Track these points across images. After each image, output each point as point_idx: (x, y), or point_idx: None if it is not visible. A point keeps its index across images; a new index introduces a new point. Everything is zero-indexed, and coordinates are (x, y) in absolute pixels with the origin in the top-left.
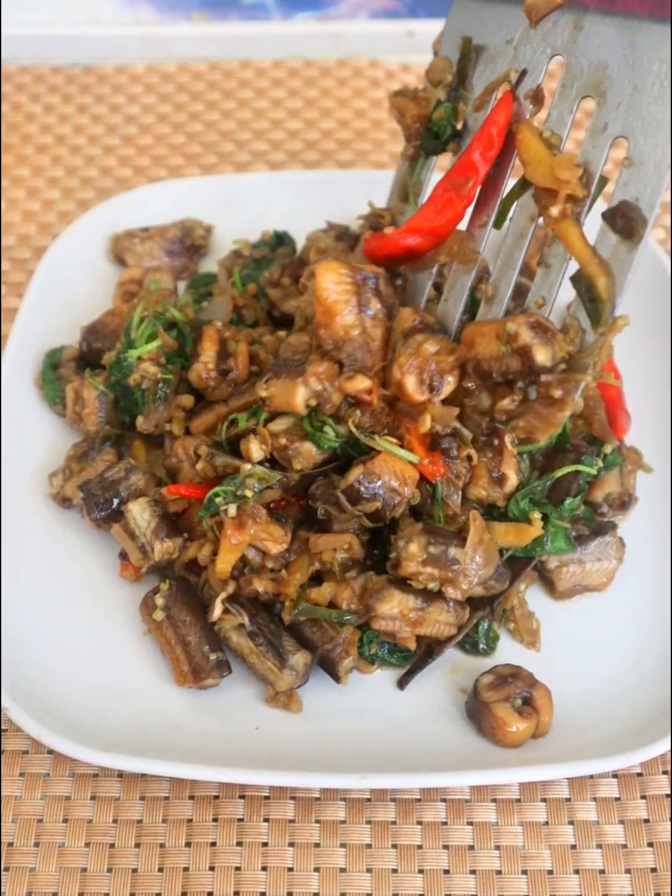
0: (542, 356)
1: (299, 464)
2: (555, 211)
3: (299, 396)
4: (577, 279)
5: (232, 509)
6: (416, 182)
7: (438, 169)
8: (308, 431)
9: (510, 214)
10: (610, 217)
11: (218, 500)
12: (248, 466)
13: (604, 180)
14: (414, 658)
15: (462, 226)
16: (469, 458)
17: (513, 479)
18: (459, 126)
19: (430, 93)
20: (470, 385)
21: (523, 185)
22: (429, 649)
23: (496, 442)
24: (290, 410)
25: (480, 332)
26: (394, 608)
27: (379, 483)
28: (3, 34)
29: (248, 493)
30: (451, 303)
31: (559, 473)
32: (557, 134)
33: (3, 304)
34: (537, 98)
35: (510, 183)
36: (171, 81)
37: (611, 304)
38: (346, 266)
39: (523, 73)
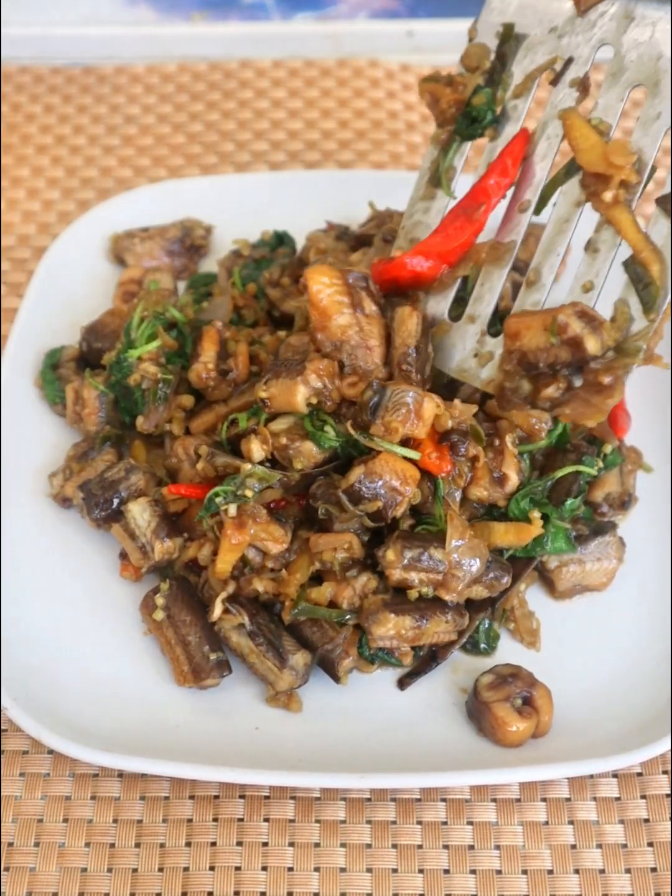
0: (592, 345)
1: (300, 463)
2: (608, 196)
3: (300, 395)
4: (629, 264)
5: (232, 509)
6: (450, 167)
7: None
8: (309, 431)
9: (553, 200)
10: (665, 204)
11: (218, 500)
12: (248, 466)
13: (654, 169)
14: (416, 660)
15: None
16: (475, 458)
17: (514, 479)
18: (497, 112)
19: (466, 78)
20: (508, 368)
21: (568, 171)
22: (432, 654)
23: (497, 442)
24: (291, 410)
25: (525, 324)
26: (390, 631)
27: (380, 483)
28: (3, 34)
29: (249, 493)
30: (484, 298)
31: (560, 474)
32: (606, 122)
33: (3, 304)
34: (584, 87)
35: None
36: (171, 82)
37: (664, 290)
38: (335, 269)
39: (568, 62)
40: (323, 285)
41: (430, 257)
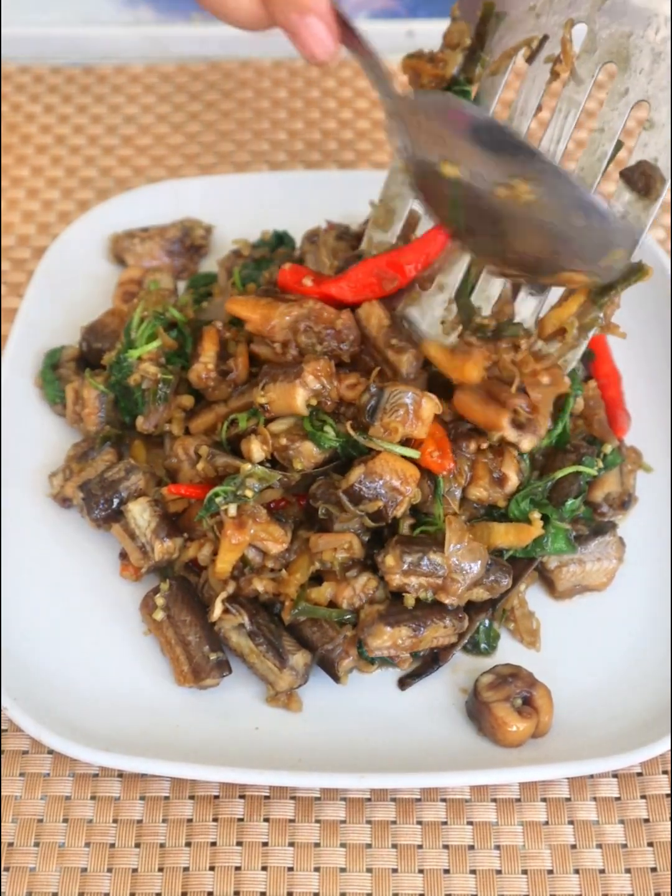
0: (527, 445)
1: (300, 464)
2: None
3: (299, 398)
4: None
5: (232, 509)
6: None
7: None
8: (309, 431)
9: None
10: (629, 175)
11: (218, 500)
12: (247, 466)
13: (620, 144)
14: (418, 662)
15: None
16: (479, 450)
17: (513, 480)
18: (474, 90)
19: (447, 55)
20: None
21: None
22: (434, 655)
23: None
24: (291, 412)
25: (470, 411)
26: (386, 642)
27: (380, 483)
28: (3, 34)
29: (249, 493)
30: (453, 269)
31: (560, 474)
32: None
33: (3, 304)
34: (559, 64)
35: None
36: (171, 81)
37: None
38: (246, 296)
39: (543, 40)
40: (245, 308)
41: (344, 298)
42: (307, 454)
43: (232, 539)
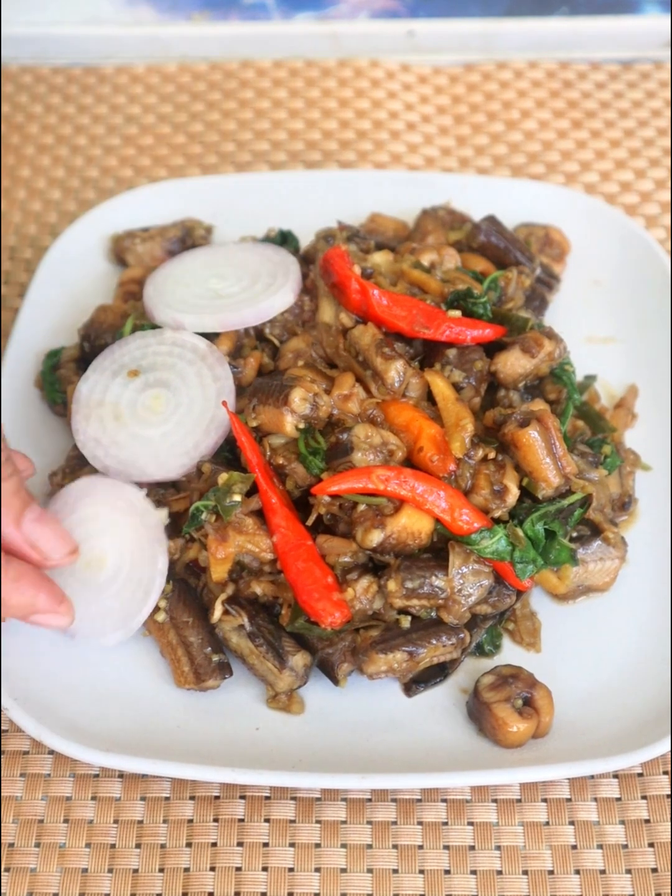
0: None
1: (291, 484)
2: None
3: (288, 425)
4: None
5: (213, 522)
6: None
7: None
8: (301, 453)
9: None
10: None
11: (202, 516)
12: (224, 475)
13: None
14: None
15: None
16: (484, 459)
17: (514, 492)
18: None
19: None
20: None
21: None
22: (442, 664)
23: (499, 456)
24: (282, 433)
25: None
26: (381, 668)
27: (392, 540)
28: (3, 34)
29: (237, 498)
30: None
31: (569, 501)
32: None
33: (3, 304)
34: None
35: None
36: (172, 81)
37: None
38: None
39: None
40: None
41: (372, 305)
42: (301, 476)
43: (216, 553)
